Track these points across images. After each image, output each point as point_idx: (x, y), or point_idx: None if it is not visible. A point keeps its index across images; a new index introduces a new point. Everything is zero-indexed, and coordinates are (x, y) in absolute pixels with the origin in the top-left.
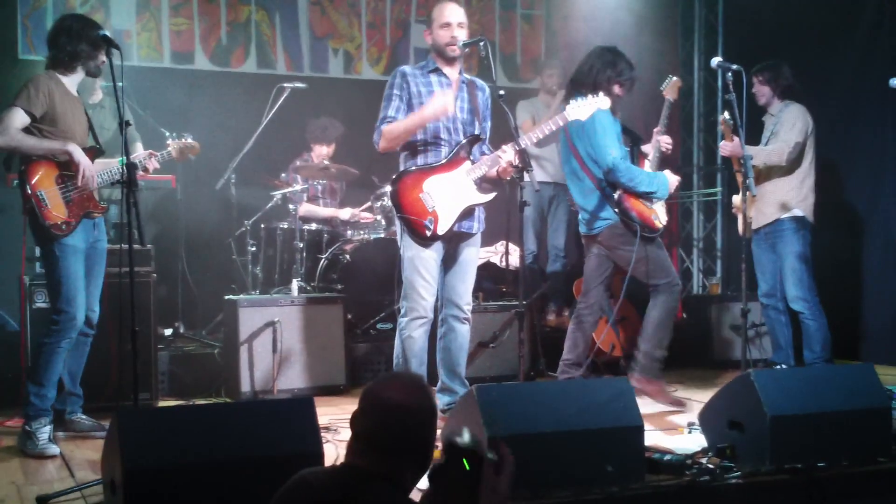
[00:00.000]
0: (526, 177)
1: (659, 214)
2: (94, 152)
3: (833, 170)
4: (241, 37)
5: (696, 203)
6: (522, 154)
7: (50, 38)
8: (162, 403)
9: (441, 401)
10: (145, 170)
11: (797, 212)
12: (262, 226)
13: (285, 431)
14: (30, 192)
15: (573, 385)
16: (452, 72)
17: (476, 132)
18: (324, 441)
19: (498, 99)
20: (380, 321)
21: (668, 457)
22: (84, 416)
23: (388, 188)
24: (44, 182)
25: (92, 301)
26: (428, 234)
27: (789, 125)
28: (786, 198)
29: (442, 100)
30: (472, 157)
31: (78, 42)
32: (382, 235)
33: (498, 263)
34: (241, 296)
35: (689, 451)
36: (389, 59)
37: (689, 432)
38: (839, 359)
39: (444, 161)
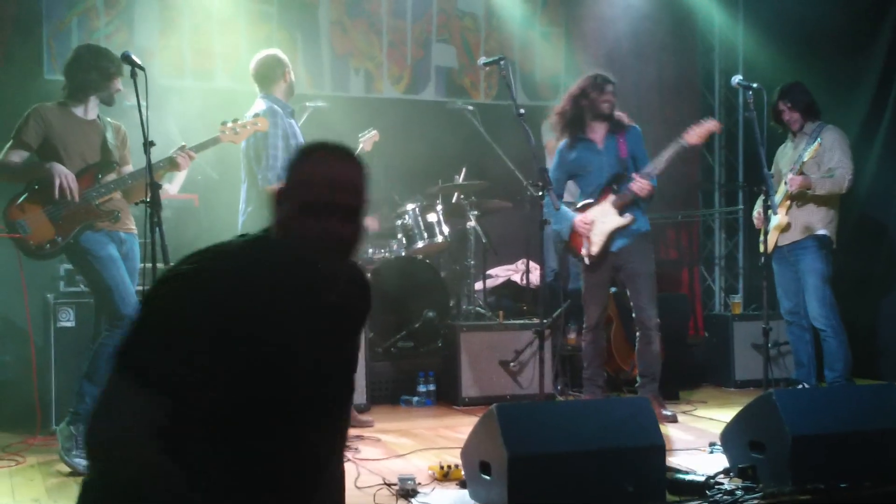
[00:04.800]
0: (546, 196)
1: (588, 244)
2: (97, 169)
3: (855, 186)
4: None
5: (717, 221)
6: (542, 173)
7: (64, 69)
8: None
9: None
10: (175, 165)
11: (822, 231)
12: None
13: None
14: (4, 223)
15: (593, 404)
16: None
17: None
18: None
19: (517, 118)
20: (400, 339)
21: (689, 477)
22: None
23: (408, 207)
24: (23, 211)
25: None
26: None
27: (841, 152)
28: (813, 219)
29: None
30: None
31: (88, 72)
32: (403, 254)
33: (518, 282)
34: None
35: (711, 472)
36: (410, 78)
37: (711, 452)
38: (859, 377)
39: None
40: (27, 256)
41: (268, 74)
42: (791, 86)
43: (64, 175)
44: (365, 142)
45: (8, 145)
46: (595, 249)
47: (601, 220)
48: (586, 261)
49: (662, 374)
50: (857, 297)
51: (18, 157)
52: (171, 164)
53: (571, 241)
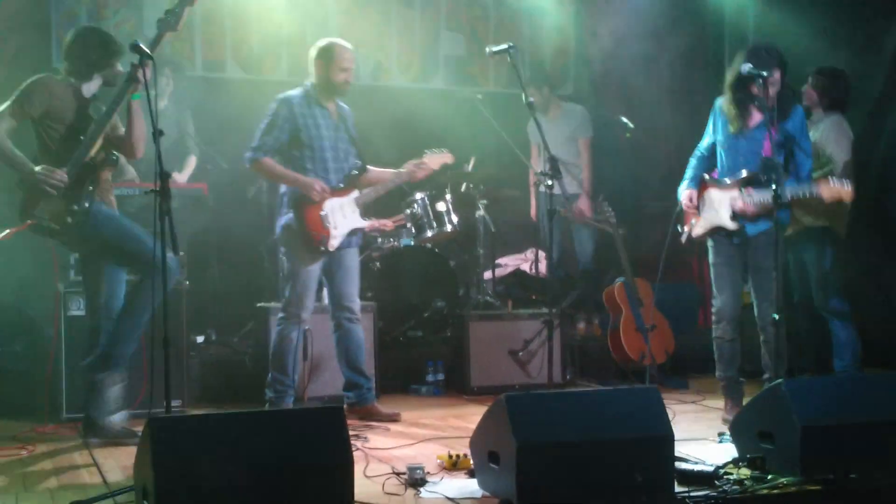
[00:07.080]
0: (556, 187)
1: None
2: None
3: (865, 176)
4: (272, 45)
5: None
6: (553, 162)
7: (64, 51)
8: (193, 411)
9: (352, 395)
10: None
11: (823, 223)
12: None
13: (315, 440)
14: (23, 217)
15: (602, 394)
16: (332, 105)
17: (356, 157)
18: (353, 449)
19: (528, 106)
20: (409, 329)
21: (697, 467)
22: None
23: (417, 196)
24: (34, 203)
25: None
26: (322, 248)
27: (836, 144)
28: (815, 211)
29: (319, 187)
30: (360, 189)
31: (91, 50)
32: (412, 243)
33: (527, 271)
34: (273, 303)
35: (720, 462)
36: (419, 66)
37: (720, 442)
38: (872, 367)
39: (340, 186)
40: (54, 237)
41: (312, 61)
42: (824, 72)
43: (45, 176)
44: (427, 163)
45: (5, 109)
46: (696, 232)
47: (712, 209)
48: (682, 239)
49: (672, 362)
50: (869, 287)
51: (8, 125)
52: (133, 79)
53: (685, 213)
